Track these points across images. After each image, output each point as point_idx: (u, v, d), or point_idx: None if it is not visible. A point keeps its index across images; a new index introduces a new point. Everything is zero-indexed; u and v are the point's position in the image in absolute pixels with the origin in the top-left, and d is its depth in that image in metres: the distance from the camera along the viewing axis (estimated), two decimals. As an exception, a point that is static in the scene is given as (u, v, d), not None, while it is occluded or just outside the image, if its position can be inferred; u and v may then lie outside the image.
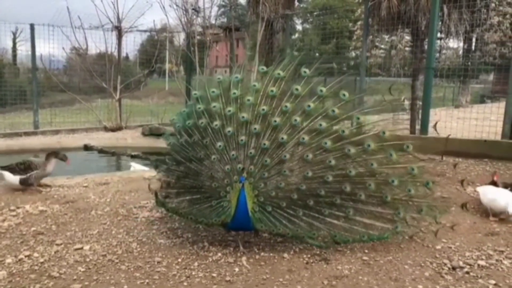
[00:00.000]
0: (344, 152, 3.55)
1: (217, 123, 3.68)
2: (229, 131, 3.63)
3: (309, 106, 3.60)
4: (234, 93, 3.74)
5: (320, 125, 3.57)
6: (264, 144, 3.55)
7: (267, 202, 3.55)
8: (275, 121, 3.56)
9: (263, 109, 3.61)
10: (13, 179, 5.23)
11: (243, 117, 3.62)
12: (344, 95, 3.65)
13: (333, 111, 3.60)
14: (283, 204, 3.56)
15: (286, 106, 3.60)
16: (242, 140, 3.59)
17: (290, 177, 3.56)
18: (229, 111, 3.69)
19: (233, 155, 3.61)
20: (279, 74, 3.73)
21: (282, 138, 3.53)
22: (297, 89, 3.64)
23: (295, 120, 3.58)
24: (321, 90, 3.64)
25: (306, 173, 3.53)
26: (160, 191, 4.13)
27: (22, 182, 5.21)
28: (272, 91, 3.66)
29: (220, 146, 3.64)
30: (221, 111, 3.73)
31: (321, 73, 3.81)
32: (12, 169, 5.27)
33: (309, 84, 3.69)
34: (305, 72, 3.73)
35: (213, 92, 3.84)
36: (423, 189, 3.67)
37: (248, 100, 3.68)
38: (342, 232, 3.58)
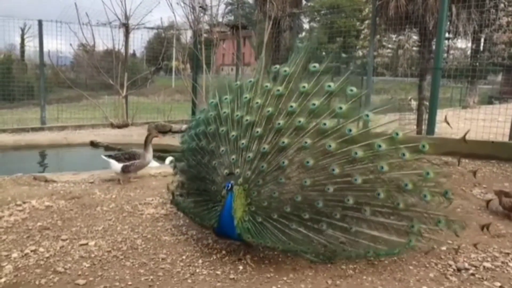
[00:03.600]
0: (350, 156, 3.22)
1: (223, 128, 3.64)
2: (233, 135, 3.56)
3: (314, 104, 3.37)
4: (246, 97, 3.68)
5: (324, 124, 3.29)
6: (264, 148, 3.36)
7: (258, 212, 3.30)
8: (279, 123, 3.39)
9: (268, 111, 3.48)
10: (117, 166, 5.62)
11: (246, 120, 3.54)
12: (351, 90, 3.41)
13: (340, 108, 3.33)
14: (275, 215, 3.28)
15: (291, 106, 3.42)
16: (243, 143, 3.47)
17: (287, 186, 3.29)
18: (237, 115, 3.63)
19: (233, 159, 3.49)
20: (285, 71, 3.62)
21: (283, 142, 3.32)
22: (304, 87, 3.47)
23: (299, 121, 3.35)
24: (330, 86, 3.41)
25: (304, 182, 3.23)
26: (175, 191, 4.17)
27: (123, 169, 5.59)
28: (278, 90, 3.54)
29: (222, 150, 3.56)
30: (229, 116, 3.68)
31: (330, 70, 3.56)
32: (117, 158, 5.69)
33: (318, 81, 3.49)
34: (314, 67, 3.53)
35: (225, 98, 3.84)
36: (440, 198, 3.33)
37: (257, 102, 3.59)
38: (344, 246, 3.25)
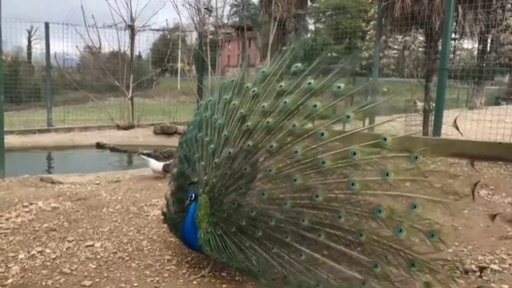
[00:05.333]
0: (317, 166, 2.72)
1: (201, 133, 3.38)
2: (206, 140, 3.28)
3: (285, 102, 2.95)
4: (225, 99, 3.38)
5: (294, 125, 2.85)
6: (229, 152, 3.03)
7: (220, 224, 2.99)
8: (247, 125, 3.05)
9: (241, 112, 3.15)
10: (157, 165, 5.67)
11: (218, 123, 3.26)
12: (339, 87, 2.86)
13: (315, 106, 2.84)
14: (232, 228, 2.96)
15: (263, 106, 3.06)
16: (211, 147, 3.18)
17: (248, 197, 2.97)
18: (214, 118, 3.34)
19: (202, 165, 3.20)
20: (263, 72, 3.30)
21: (248, 145, 2.97)
22: (281, 86, 3.09)
23: (267, 122, 2.96)
24: (310, 83, 2.95)
25: (262, 194, 2.88)
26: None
27: (165, 168, 5.63)
28: (254, 91, 3.22)
29: (196, 157, 3.29)
30: (209, 120, 3.40)
31: (316, 70, 3.07)
32: (156, 156, 5.73)
33: (298, 79, 3.07)
34: (296, 67, 3.16)
35: (209, 100, 3.59)
36: (422, 237, 2.53)
37: (234, 104, 3.26)
38: (297, 272, 2.71)
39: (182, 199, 3.24)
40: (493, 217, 2.70)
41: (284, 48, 3.39)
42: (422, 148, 2.62)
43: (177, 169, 3.62)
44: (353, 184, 2.63)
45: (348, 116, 2.79)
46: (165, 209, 3.56)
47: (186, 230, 3.10)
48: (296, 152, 2.80)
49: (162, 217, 3.61)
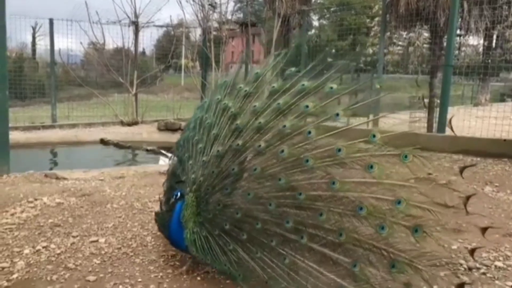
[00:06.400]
0: (301, 165, 2.66)
1: (192, 133, 3.35)
2: (196, 139, 3.25)
3: (278, 103, 2.93)
4: (218, 98, 3.35)
5: (284, 126, 2.79)
6: (218, 150, 2.99)
7: (205, 224, 2.93)
8: (237, 123, 3.01)
9: (231, 111, 3.11)
10: None
11: (208, 122, 3.23)
12: (331, 88, 2.82)
13: (307, 106, 2.81)
14: (216, 230, 2.89)
15: (254, 106, 3.03)
16: (200, 146, 3.14)
17: (234, 197, 2.89)
18: (205, 117, 3.31)
19: (190, 164, 3.16)
20: (257, 72, 3.27)
21: (238, 144, 2.92)
22: (273, 87, 3.07)
23: (259, 122, 2.92)
24: (303, 84, 2.92)
25: (247, 194, 2.80)
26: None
27: None
28: (245, 90, 3.19)
29: (186, 156, 3.26)
30: (202, 119, 3.36)
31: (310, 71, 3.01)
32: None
33: (291, 80, 3.02)
34: (290, 70, 3.14)
35: (205, 101, 3.57)
36: (407, 234, 2.41)
37: (224, 103, 3.22)
38: (278, 277, 2.61)
39: (170, 199, 3.22)
40: (484, 230, 2.53)
41: (278, 52, 3.34)
42: (413, 147, 2.47)
43: (170, 168, 3.60)
44: (333, 183, 2.55)
45: (337, 114, 2.72)
46: (157, 209, 3.54)
47: (172, 230, 3.04)
48: (282, 151, 2.73)
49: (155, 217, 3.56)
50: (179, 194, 3.02)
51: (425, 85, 10.36)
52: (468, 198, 2.37)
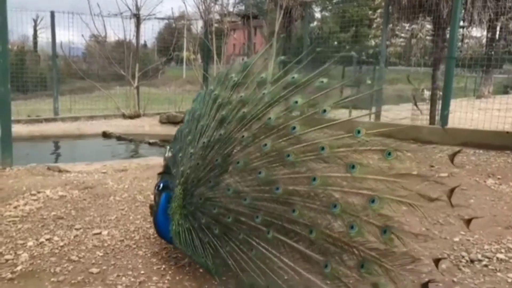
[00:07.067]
0: (283, 160, 2.61)
1: (185, 126, 3.35)
2: (186, 131, 3.25)
3: (263, 93, 2.88)
4: (211, 89, 3.33)
5: (269, 118, 2.73)
6: (203, 142, 2.96)
7: (189, 217, 2.90)
8: (222, 114, 2.97)
9: (219, 102, 3.09)
10: None
11: (198, 113, 3.21)
12: (322, 82, 2.72)
13: (296, 102, 2.72)
14: (196, 224, 2.86)
15: (241, 96, 2.98)
16: (189, 138, 3.13)
17: (216, 191, 2.85)
18: (197, 110, 3.30)
19: (180, 156, 3.14)
20: (245, 62, 3.24)
21: (220, 134, 2.89)
22: (262, 77, 3.03)
23: (243, 112, 2.86)
24: (293, 77, 2.83)
25: (227, 190, 2.76)
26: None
27: None
28: (234, 80, 3.16)
29: (177, 148, 3.26)
30: (192, 112, 3.37)
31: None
32: None
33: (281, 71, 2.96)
34: (280, 59, 3.15)
35: (199, 93, 3.59)
36: (378, 234, 2.31)
37: (215, 94, 3.20)
38: (250, 271, 2.55)
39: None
40: (468, 222, 2.42)
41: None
42: (397, 143, 2.37)
43: (165, 161, 3.59)
44: (314, 179, 2.48)
45: (325, 110, 2.62)
46: (153, 203, 3.54)
47: (158, 221, 3.06)
48: (265, 145, 2.67)
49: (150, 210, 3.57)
50: (161, 185, 3.05)
51: (427, 77, 10.31)
52: (452, 190, 2.28)
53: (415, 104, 8.65)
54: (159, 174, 3.54)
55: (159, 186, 3.07)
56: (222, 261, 2.70)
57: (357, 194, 2.38)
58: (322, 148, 2.50)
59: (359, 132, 2.43)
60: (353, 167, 2.39)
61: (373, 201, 2.31)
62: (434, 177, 2.51)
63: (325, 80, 2.73)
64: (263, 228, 2.60)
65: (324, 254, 2.41)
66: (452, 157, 2.73)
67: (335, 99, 2.66)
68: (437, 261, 2.58)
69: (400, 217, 2.37)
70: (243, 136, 2.81)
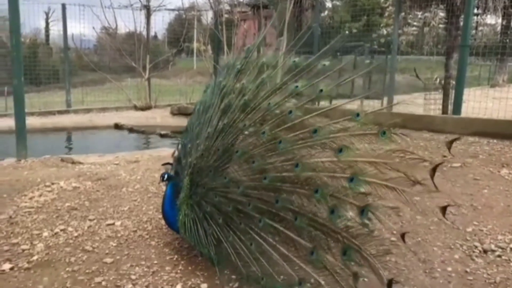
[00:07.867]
0: (275, 147, 2.57)
1: (195, 117, 3.31)
2: (193, 123, 3.24)
3: (262, 78, 2.87)
4: (219, 80, 3.31)
5: (269, 104, 2.72)
6: (208, 132, 2.95)
7: (194, 207, 2.90)
8: (225, 102, 2.96)
9: (224, 91, 3.08)
10: None
11: (207, 105, 3.19)
12: (324, 64, 2.70)
13: (297, 87, 2.69)
14: (200, 214, 2.86)
15: (243, 83, 2.97)
16: (197, 130, 3.10)
17: (219, 180, 2.83)
18: (205, 101, 3.27)
19: (189, 147, 3.12)
20: (248, 48, 3.26)
21: (224, 124, 2.88)
22: (263, 62, 3.02)
23: (245, 99, 2.85)
24: (294, 61, 2.83)
25: (224, 178, 2.77)
26: None
27: None
28: (237, 68, 3.14)
29: (187, 139, 3.24)
30: (201, 103, 3.35)
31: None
32: None
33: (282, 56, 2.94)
34: (280, 40, 3.20)
35: (209, 85, 3.53)
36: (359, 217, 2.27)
37: (223, 84, 3.17)
38: (247, 260, 2.56)
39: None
40: (443, 209, 2.27)
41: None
42: (392, 121, 2.32)
43: (176, 153, 3.59)
44: (297, 166, 2.46)
45: (321, 90, 2.61)
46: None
47: (165, 211, 3.11)
48: (263, 133, 2.64)
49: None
50: (165, 176, 3.11)
51: (440, 66, 10.17)
52: (434, 169, 2.15)
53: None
54: (163, 164, 3.57)
55: (163, 177, 3.11)
56: (225, 251, 2.70)
57: (340, 177, 2.33)
58: (315, 131, 2.47)
59: (358, 115, 2.40)
60: (340, 150, 2.35)
61: (351, 180, 2.26)
62: (418, 154, 2.40)
63: (327, 63, 2.70)
64: (256, 215, 2.60)
65: (312, 241, 2.40)
66: (449, 145, 2.67)
67: (336, 82, 2.63)
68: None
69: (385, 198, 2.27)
70: (244, 125, 2.79)
